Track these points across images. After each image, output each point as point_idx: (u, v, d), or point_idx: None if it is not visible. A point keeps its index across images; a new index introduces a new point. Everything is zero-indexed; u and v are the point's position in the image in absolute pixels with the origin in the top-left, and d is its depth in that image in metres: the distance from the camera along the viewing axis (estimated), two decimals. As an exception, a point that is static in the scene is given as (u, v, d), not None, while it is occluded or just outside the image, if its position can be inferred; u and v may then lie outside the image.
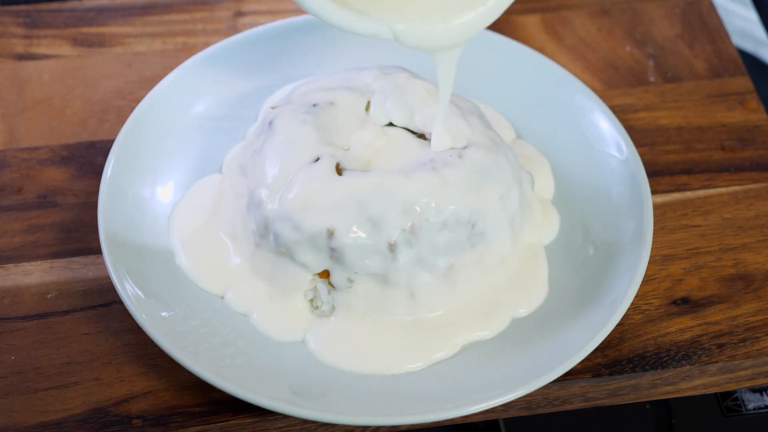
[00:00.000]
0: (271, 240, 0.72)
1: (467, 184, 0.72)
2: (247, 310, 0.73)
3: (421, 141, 0.75)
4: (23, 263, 0.77)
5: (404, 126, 0.76)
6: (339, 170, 0.72)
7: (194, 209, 0.77)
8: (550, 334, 0.72)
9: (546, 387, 0.72)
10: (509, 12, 0.94)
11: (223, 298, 0.73)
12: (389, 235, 0.70)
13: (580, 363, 0.72)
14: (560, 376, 0.69)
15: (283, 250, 0.72)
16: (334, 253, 0.71)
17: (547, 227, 0.78)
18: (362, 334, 0.72)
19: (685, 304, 0.76)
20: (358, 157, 0.74)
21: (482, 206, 0.72)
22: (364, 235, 0.70)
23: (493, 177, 0.73)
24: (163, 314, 0.70)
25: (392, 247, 0.71)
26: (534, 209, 0.78)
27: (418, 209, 0.70)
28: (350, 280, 0.71)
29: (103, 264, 0.76)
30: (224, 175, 0.79)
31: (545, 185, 0.80)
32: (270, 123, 0.75)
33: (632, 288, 0.71)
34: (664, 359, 0.74)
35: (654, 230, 0.79)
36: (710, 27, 0.94)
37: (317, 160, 0.72)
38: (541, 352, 0.71)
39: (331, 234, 0.70)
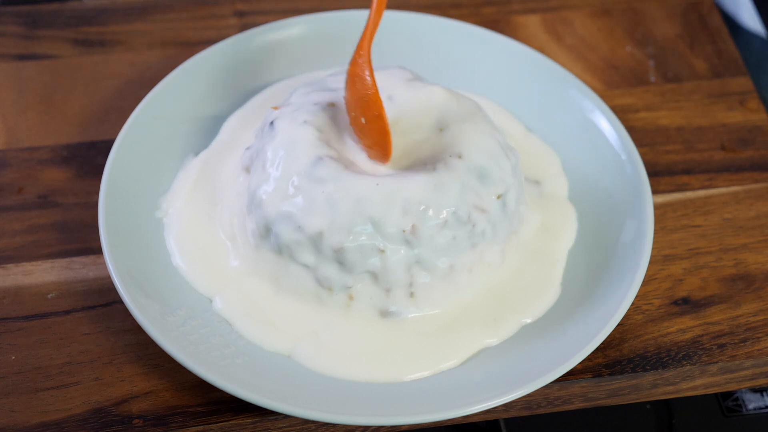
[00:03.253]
0: (272, 241, 0.72)
1: (466, 183, 0.72)
2: (231, 317, 0.73)
3: (421, 140, 0.75)
4: (24, 263, 0.77)
5: (404, 126, 0.76)
6: (341, 167, 0.72)
7: (192, 206, 0.77)
8: (551, 334, 0.72)
9: (546, 387, 0.72)
10: (510, 12, 0.94)
11: (211, 302, 0.73)
12: (390, 235, 0.70)
13: (580, 363, 0.72)
14: (561, 376, 0.69)
15: (285, 251, 0.72)
16: (336, 254, 0.71)
17: (566, 230, 0.78)
18: (368, 340, 0.72)
19: (686, 304, 0.76)
20: (358, 157, 0.74)
21: (482, 206, 0.72)
22: (364, 235, 0.70)
23: (493, 177, 0.73)
24: (163, 314, 0.70)
25: (393, 248, 0.71)
26: (551, 210, 0.78)
27: (419, 209, 0.70)
28: (348, 287, 0.72)
29: (103, 264, 0.76)
30: (226, 175, 0.79)
31: (559, 182, 0.80)
32: (271, 123, 0.75)
33: (633, 289, 0.71)
34: (665, 359, 0.74)
35: (654, 230, 0.79)
36: (711, 27, 0.94)
37: (318, 160, 0.72)
38: (541, 353, 0.71)
39: (332, 234, 0.70)
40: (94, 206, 0.78)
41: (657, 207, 0.81)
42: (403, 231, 0.70)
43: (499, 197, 0.73)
